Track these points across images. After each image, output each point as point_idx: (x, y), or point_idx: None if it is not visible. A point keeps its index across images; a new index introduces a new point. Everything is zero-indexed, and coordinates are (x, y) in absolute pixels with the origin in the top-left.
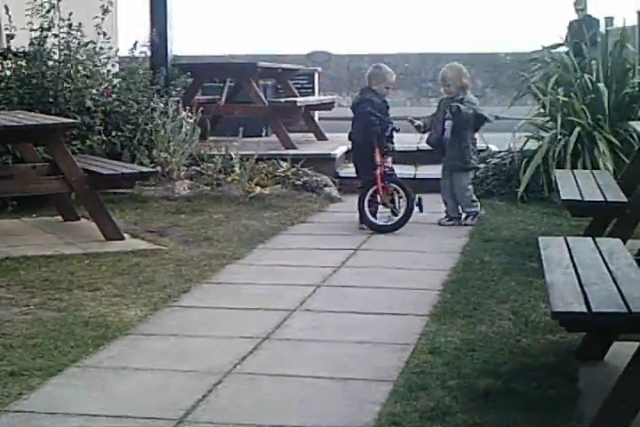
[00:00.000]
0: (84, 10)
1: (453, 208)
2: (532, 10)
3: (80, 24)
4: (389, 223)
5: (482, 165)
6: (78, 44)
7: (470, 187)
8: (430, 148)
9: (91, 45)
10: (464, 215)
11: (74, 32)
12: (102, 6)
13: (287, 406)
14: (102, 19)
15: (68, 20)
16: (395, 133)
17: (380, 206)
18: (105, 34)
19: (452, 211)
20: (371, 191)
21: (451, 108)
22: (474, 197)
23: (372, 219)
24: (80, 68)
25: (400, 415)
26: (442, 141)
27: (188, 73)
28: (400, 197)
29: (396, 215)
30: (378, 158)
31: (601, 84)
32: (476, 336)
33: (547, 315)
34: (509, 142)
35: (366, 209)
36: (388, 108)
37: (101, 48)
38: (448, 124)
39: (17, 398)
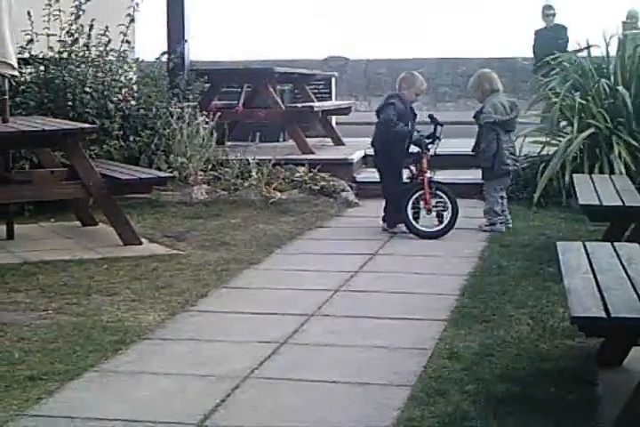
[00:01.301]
0: (106, 16)
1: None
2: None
3: (107, 28)
4: (435, 229)
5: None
6: (103, 49)
7: (494, 194)
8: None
9: (112, 51)
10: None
11: (98, 38)
12: (129, 15)
13: (305, 411)
14: (127, 27)
15: (91, 26)
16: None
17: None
18: (129, 42)
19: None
20: (414, 197)
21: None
22: (495, 208)
23: (417, 225)
24: (100, 74)
25: (418, 420)
26: (476, 148)
27: (206, 78)
28: (442, 203)
29: (442, 222)
30: (424, 164)
31: (621, 88)
32: (494, 341)
33: (565, 320)
34: (521, 147)
35: (409, 214)
36: (415, 115)
37: (122, 54)
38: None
39: (36, 403)
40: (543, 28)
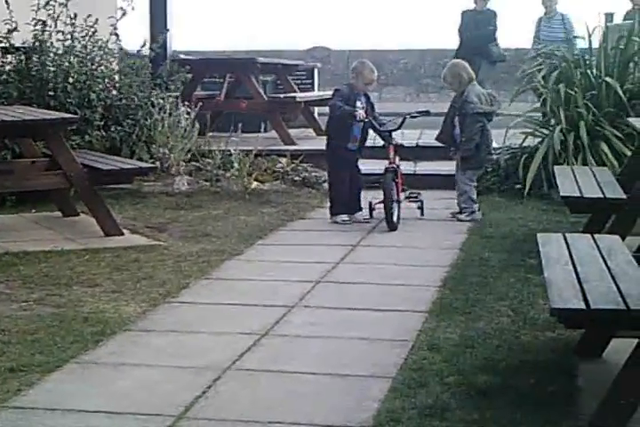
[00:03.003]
0: (91, 6)
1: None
2: (530, 5)
3: (96, 20)
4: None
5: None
6: (88, 39)
7: (470, 183)
8: (441, 144)
9: (92, 39)
10: (461, 210)
11: (85, 29)
12: (121, 8)
13: (286, 403)
14: (118, 20)
15: (73, 15)
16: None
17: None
18: (117, 35)
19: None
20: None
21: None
22: (472, 195)
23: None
24: (84, 65)
25: (399, 412)
26: (453, 137)
27: (188, 68)
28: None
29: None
30: (390, 155)
31: (609, 79)
32: (474, 333)
33: (546, 311)
34: (504, 138)
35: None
36: (371, 104)
37: (107, 45)
38: (457, 120)
39: (16, 394)
40: (472, 9)
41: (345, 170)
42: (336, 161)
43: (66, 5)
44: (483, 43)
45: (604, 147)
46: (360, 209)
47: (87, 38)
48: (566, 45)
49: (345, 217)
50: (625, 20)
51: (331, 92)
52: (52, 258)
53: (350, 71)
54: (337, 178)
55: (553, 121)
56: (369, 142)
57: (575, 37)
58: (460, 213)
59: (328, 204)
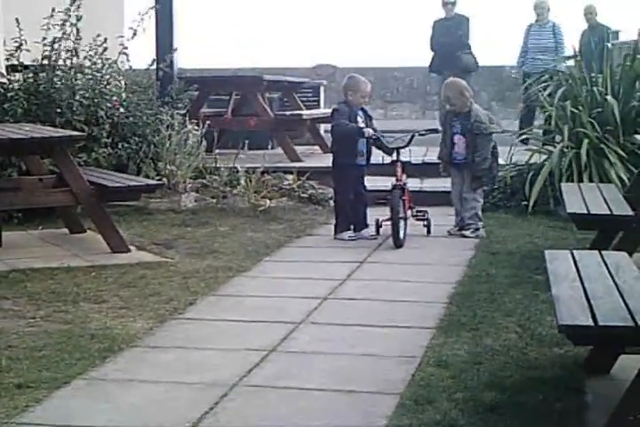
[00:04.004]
0: (99, 25)
1: (461, 218)
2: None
3: (105, 40)
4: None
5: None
6: (97, 58)
7: (480, 200)
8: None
9: (102, 58)
10: (466, 227)
11: (94, 48)
12: (131, 28)
13: (293, 419)
14: (129, 40)
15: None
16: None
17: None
18: (127, 55)
19: (460, 220)
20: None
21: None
22: (479, 212)
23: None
24: (92, 82)
25: None
26: (451, 156)
27: (195, 86)
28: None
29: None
30: (398, 172)
31: (609, 97)
32: (482, 349)
33: (553, 328)
34: (509, 155)
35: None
36: (369, 117)
37: (115, 64)
38: (457, 138)
39: (24, 411)
40: (442, 18)
41: (351, 187)
42: (342, 178)
43: (76, 25)
44: (452, 50)
45: (609, 164)
46: (366, 226)
47: (96, 57)
48: (554, 55)
49: (351, 233)
50: (582, 38)
51: None
52: (58, 275)
53: (343, 89)
54: (343, 195)
55: (558, 138)
56: (377, 159)
57: (562, 47)
58: (462, 229)
59: (334, 221)
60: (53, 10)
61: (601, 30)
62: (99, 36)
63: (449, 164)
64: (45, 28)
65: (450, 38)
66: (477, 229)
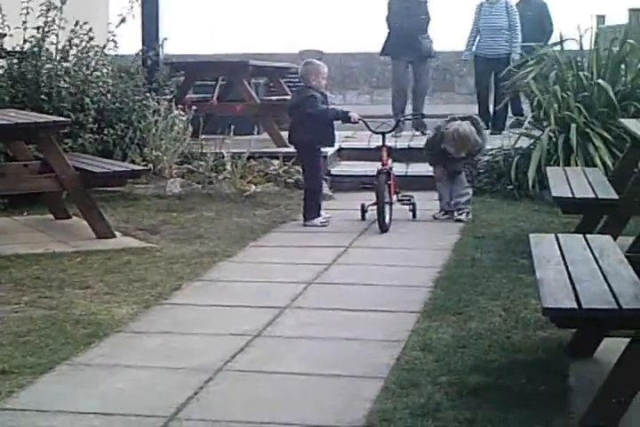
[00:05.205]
0: (85, 11)
1: (449, 202)
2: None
3: (90, 29)
4: None
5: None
6: (85, 46)
7: (469, 185)
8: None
9: (89, 45)
10: (459, 211)
11: (79, 37)
12: (120, 15)
13: (278, 403)
14: (117, 26)
15: (67, 20)
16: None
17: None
18: (115, 42)
19: (446, 205)
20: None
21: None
22: (470, 197)
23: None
24: (79, 69)
25: (390, 412)
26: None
27: (181, 72)
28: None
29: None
30: (384, 157)
31: (602, 81)
32: (466, 333)
33: (537, 311)
34: (502, 140)
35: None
36: (327, 101)
37: (103, 51)
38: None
39: (7, 396)
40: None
41: (323, 172)
42: (317, 163)
43: (60, 10)
44: (413, 34)
45: (594, 148)
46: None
47: (83, 44)
48: (508, 36)
49: (322, 219)
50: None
51: None
52: (43, 260)
53: (304, 75)
54: (317, 180)
55: (546, 123)
56: (363, 144)
57: (517, 27)
58: (447, 213)
59: (303, 209)
60: None
61: (535, 3)
62: (85, 23)
63: (439, 154)
64: (25, 12)
65: (411, 20)
66: (469, 213)
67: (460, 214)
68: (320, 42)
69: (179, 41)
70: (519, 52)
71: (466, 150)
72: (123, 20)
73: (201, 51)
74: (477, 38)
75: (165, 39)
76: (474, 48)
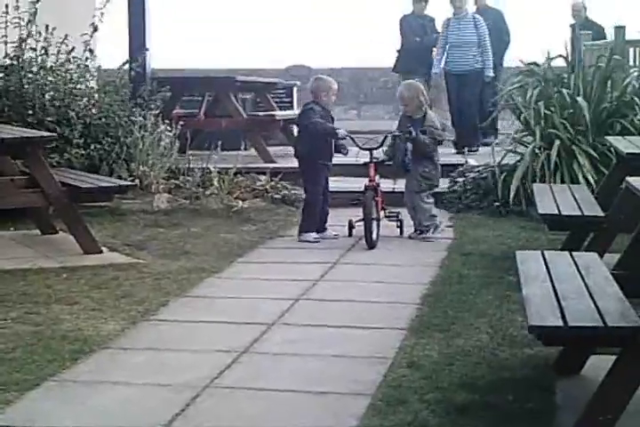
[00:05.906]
0: (67, 24)
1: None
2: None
3: (65, 36)
4: None
5: (449, 183)
6: (64, 57)
7: (429, 201)
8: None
9: (73, 59)
10: (423, 229)
11: (57, 46)
12: (92, 24)
13: (264, 420)
14: (91, 36)
15: (48, 32)
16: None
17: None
18: (92, 51)
19: (418, 224)
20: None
21: (408, 132)
22: (433, 212)
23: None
24: (61, 82)
25: None
26: (404, 163)
27: (167, 87)
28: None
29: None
30: (371, 173)
31: (580, 99)
32: (453, 350)
33: (524, 329)
34: (490, 157)
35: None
36: (333, 119)
37: (84, 63)
38: (409, 146)
39: None
40: (413, 14)
41: (322, 187)
42: (316, 178)
43: (33, 21)
44: (427, 52)
45: (578, 165)
46: (326, 228)
47: (63, 56)
48: (477, 49)
49: (315, 235)
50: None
51: None
52: (30, 276)
53: (315, 90)
54: (315, 195)
55: (530, 139)
56: (350, 160)
57: (486, 42)
58: (422, 232)
59: (299, 222)
60: (7, 6)
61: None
62: (67, 37)
63: (401, 170)
64: (3, 26)
65: (428, 37)
66: (437, 227)
67: (426, 233)
68: (307, 57)
69: (164, 55)
70: (492, 70)
71: (414, 104)
72: (95, 29)
73: (187, 65)
74: (445, 54)
75: (147, 49)
76: (442, 64)
